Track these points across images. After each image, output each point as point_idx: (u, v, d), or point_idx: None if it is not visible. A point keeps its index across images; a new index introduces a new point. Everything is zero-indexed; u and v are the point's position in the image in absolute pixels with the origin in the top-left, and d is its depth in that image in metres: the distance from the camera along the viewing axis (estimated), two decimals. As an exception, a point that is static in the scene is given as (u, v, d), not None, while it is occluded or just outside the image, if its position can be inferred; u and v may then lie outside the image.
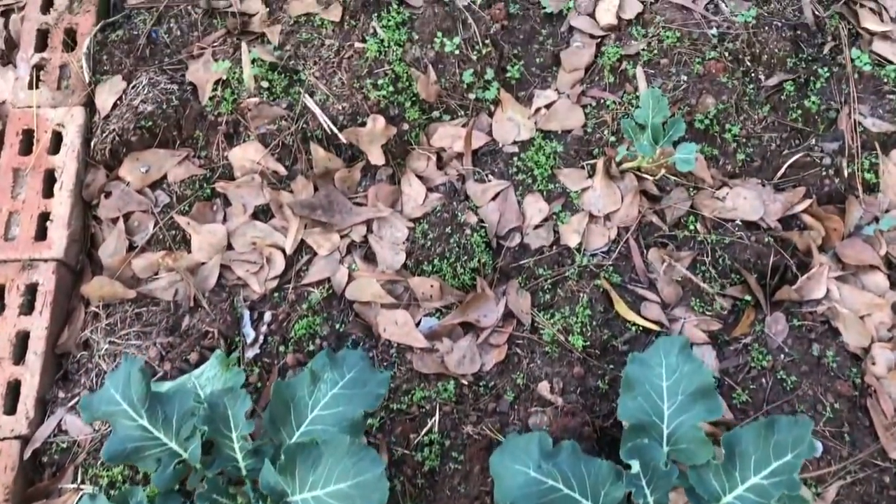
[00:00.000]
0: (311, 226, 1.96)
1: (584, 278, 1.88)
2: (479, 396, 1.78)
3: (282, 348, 1.82)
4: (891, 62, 2.08)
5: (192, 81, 2.05)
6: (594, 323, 1.79)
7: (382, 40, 2.06)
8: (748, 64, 2.05)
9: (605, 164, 1.99)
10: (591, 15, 2.17)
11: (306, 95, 2.02)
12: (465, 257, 1.87)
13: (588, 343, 1.78)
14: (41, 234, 1.88)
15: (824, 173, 2.00)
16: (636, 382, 1.49)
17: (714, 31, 2.07)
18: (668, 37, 2.07)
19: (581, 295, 1.82)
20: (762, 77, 2.05)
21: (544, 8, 2.16)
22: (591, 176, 2.00)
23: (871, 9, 2.17)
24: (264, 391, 1.78)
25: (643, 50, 2.08)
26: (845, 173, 2.00)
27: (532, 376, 1.78)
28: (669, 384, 1.48)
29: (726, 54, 2.04)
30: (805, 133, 2.04)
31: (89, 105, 2.01)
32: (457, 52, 2.05)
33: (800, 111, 2.03)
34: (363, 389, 1.47)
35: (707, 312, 1.86)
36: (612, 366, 1.78)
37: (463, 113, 2.08)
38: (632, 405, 1.48)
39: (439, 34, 2.06)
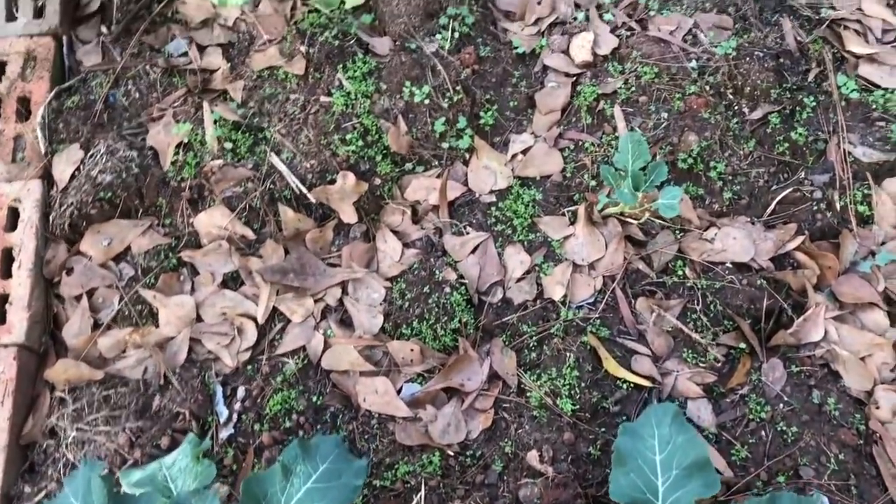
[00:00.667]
0: (284, 291, 1.87)
1: (570, 334, 1.80)
2: (465, 468, 1.69)
3: (257, 426, 1.74)
4: (878, 87, 2.00)
5: (153, 146, 1.97)
6: (582, 384, 1.71)
7: (349, 93, 1.98)
8: (730, 97, 1.97)
9: (587, 210, 1.90)
10: (566, 52, 2.09)
11: (272, 154, 1.94)
12: (446, 317, 1.79)
13: (577, 406, 1.69)
14: (1, 317, 1.80)
15: (816, 207, 1.92)
16: (628, 456, 1.41)
17: (693, 63, 1.99)
18: (645, 72, 1.99)
19: (568, 354, 1.74)
20: (746, 110, 1.97)
21: (516, 48, 2.08)
22: (572, 223, 1.91)
23: (855, 30, 2.09)
24: (241, 473, 1.69)
25: (621, 88, 2.00)
26: (837, 206, 1.92)
27: (521, 443, 1.69)
28: (663, 457, 1.40)
29: (707, 88, 1.96)
30: (793, 166, 1.96)
31: (46, 177, 1.93)
32: (427, 101, 1.97)
33: (787, 144, 1.95)
34: (339, 481, 1.39)
35: (700, 364, 1.77)
36: (603, 429, 1.70)
37: (437, 163, 2.00)
38: (624, 482, 1.40)
39: (408, 83, 1.98)
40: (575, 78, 2.06)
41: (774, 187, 1.94)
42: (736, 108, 1.97)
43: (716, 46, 2.01)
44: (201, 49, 2.10)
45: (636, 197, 1.76)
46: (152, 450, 1.68)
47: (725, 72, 1.96)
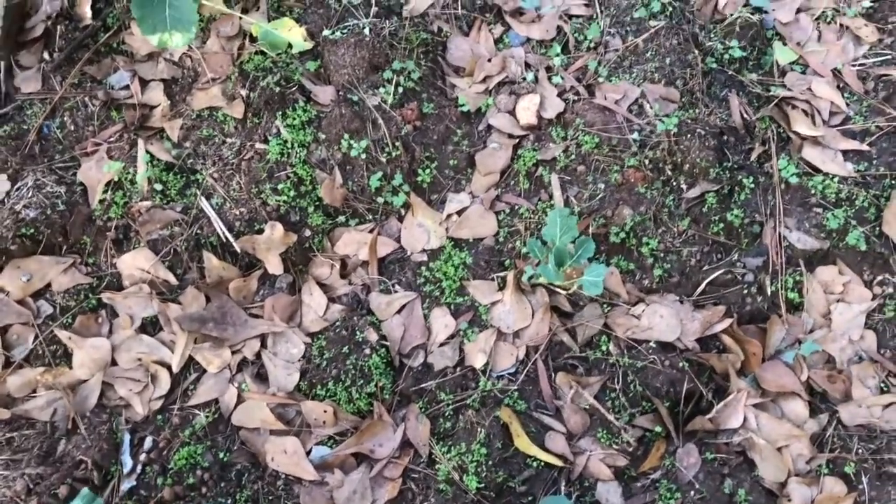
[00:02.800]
0: (202, 340, 1.85)
1: (486, 405, 1.77)
2: (366, 539, 1.67)
3: (160, 480, 1.71)
4: (819, 171, 1.99)
5: (83, 182, 1.94)
6: (490, 462, 1.68)
7: (286, 141, 1.95)
8: (669, 173, 1.95)
9: (516, 276, 1.89)
10: (511, 113, 2.07)
11: (202, 198, 1.92)
12: (363, 380, 1.77)
13: (482, 485, 1.67)
14: None
15: (746, 291, 1.91)
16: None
17: (636, 135, 1.97)
18: (587, 141, 1.97)
19: (479, 428, 1.71)
20: (684, 187, 1.96)
21: (461, 106, 2.06)
22: (501, 289, 1.89)
23: (803, 111, 2.08)
24: (138, 528, 1.66)
25: (560, 155, 1.98)
26: (768, 291, 1.91)
27: (424, 517, 1.67)
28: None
29: (646, 162, 1.95)
30: (727, 247, 1.94)
31: (-32, 208, 1.89)
32: (365, 155, 1.95)
33: (722, 224, 1.94)
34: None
35: (614, 445, 1.75)
36: (507, 509, 1.68)
37: (371, 217, 1.97)
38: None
39: (347, 136, 1.96)
40: (518, 140, 2.04)
41: (706, 267, 1.93)
42: (674, 184, 1.96)
43: (660, 120, 1.99)
44: (144, 83, 2.07)
45: (560, 275, 1.74)
46: (49, 499, 1.65)
47: (666, 147, 1.95)
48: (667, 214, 1.93)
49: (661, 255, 1.92)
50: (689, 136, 1.96)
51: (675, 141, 1.95)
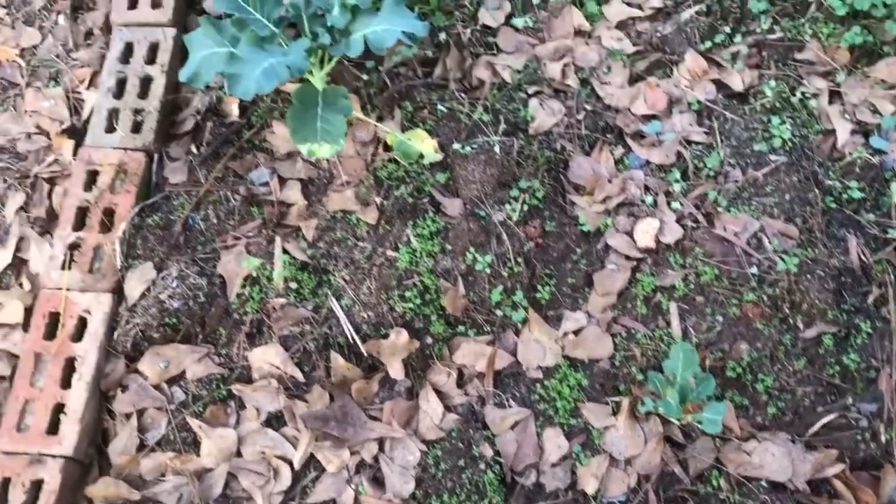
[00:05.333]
0: (323, 439, 1.92)
1: (597, 532, 1.80)
2: None
3: (278, 577, 1.77)
4: (938, 319, 2.00)
5: (222, 274, 2.05)
6: None
7: (415, 250, 2.04)
8: (787, 311, 1.99)
9: (631, 403, 1.92)
10: (630, 235, 2.13)
11: (333, 299, 2.01)
12: (477, 496, 1.82)
13: None
14: (53, 427, 1.87)
15: (860, 437, 1.91)
16: None
17: (754, 270, 2.02)
18: (706, 272, 2.02)
19: (592, 557, 1.74)
20: (801, 326, 1.99)
21: (581, 225, 2.13)
22: (615, 413, 1.93)
23: (920, 254, 2.10)
24: None
25: (679, 283, 2.03)
26: (882, 439, 1.91)
27: None
28: None
29: (765, 298, 1.99)
30: (842, 390, 1.96)
31: (117, 291, 2.02)
32: (488, 269, 2.02)
33: (838, 367, 1.95)
34: None
35: (724, 586, 1.76)
36: None
37: (489, 329, 2.04)
38: None
39: (472, 249, 2.04)
40: (635, 263, 2.10)
41: (820, 409, 1.94)
42: (791, 322, 1.99)
43: (779, 254, 2.03)
44: (282, 181, 2.19)
45: (681, 410, 1.77)
46: (174, 587, 1.72)
47: (785, 286, 1.98)
48: (783, 352, 1.96)
49: (776, 392, 1.94)
50: (808, 276, 1.99)
51: (795, 280, 1.99)
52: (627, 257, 2.11)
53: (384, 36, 1.89)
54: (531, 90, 2.33)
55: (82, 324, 1.98)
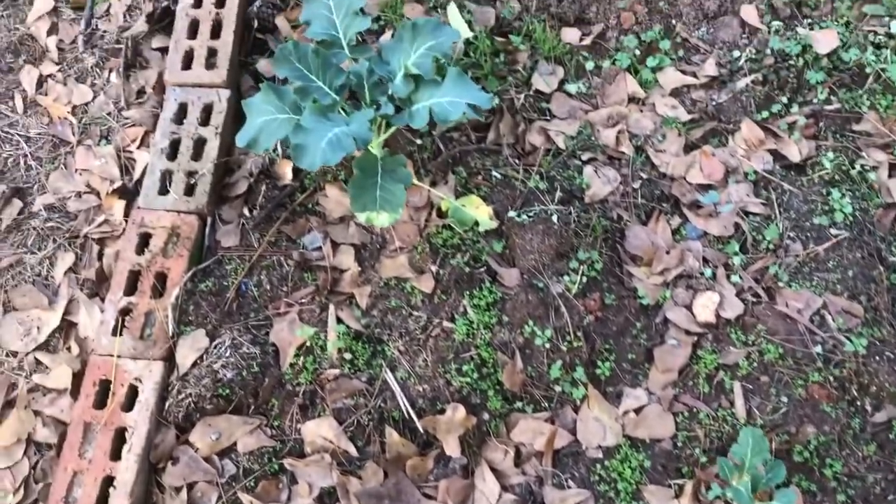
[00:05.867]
0: (377, 517, 1.86)
1: None
2: None
3: None
4: None
5: (275, 343, 2.01)
6: None
7: (472, 322, 2.01)
8: (855, 393, 1.94)
9: (695, 487, 1.87)
10: (689, 308, 2.09)
11: (388, 371, 1.97)
12: (537, 583, 1.75)
13: None
14: (103, 500, 1.82)
15: (933, 526, 1.85)
16: None
17: (819, 349, 1.97)
18: (769, 350, 1.98)
19: None
20: (869, 409, 1.93)
21: (640, 298, 2.09)
22: (677, 497, 1.88)
23: None
24: None
25: (742, 361, 1.99)
26: (956, 530, 1.84)
27: None
28: None
29: (831, 379, 1.94)
30: (914, 478, 1.90)
31: (168, 359, 1.98)
32: (547, 344, 1.98)
33: (908, 453, 1.90)
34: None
35: None
36: None
37: (547, 405, 1.99)
38: None
39: (530, 321, 2.00)
40: (696, 338, 2.06)
41: (892, 497, 1.88)
42: (859, 405, 1.94)
43: (844, 334, 1.99)
44: (335, 246, 2.15)
45: (752, 499, 1.72)
46: None
47: (852, 367, 1.94)
48: (851, 436, 1.91)
49: (845, 479, 1.88)
50: (876, 357, 1.94)
51: (863, 362, 1.94)
52: (688, 332, 2.07)
53: (449, 109, 1.87)
54: (585, 157, 2.31)
55: (133, 393, 1.94)
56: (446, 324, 2.01)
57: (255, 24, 2.40)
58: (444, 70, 1.97)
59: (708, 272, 2.13)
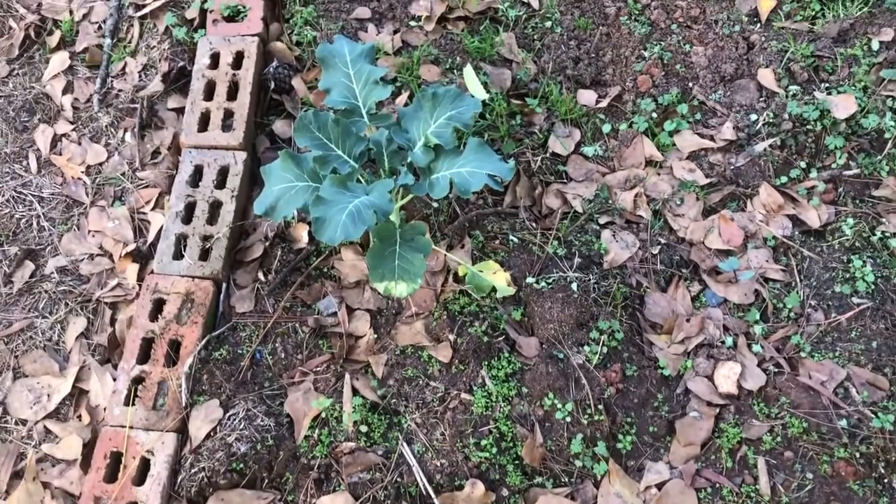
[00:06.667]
0: None
1: None
2: None
3: None
4: None
5: (290, 414, 1.97)
6: None
7: (490, 393, 1.97)
8: (882, 471, 1.89)
9: (719, 568, 1.82)
10: (710, 378, 2.06)
11: (404, 444, 1.93)
12: None
13: None
14: (112, 580, 1.77)
15: None
16: None
17: (844, 423, 1.93)
18: (793, 424, 1.94)
19: None
20: (895, 487, 1.89)
21: (661, 368, 2.06)
22: (702, 578, 1.82)
23: None
24: None
25: (766, 435, 1.95)
26: None
27: None
28: None
29: (858, 456, 1.90)
30: (944, 560, 1.85)
31: (181, 430, 1.94)
32: (568, 417, 1.94)
33: (938, 534, 1.85)
34: None
35: None
36: None
37: (567, 480, 1.95)
38: None
39: (550, 393, 1.97)
40: (718, 410, 2.02)
41: (922, 580, 1.83)
42: (887, 483, 1.89)
43: (869, 408, 1.95)
44: (350, 311, 2.13)
45: (782, 587, 1.67)
46: None
47: (879, 444, 1.90)
48: (880, 516, 1.86)
49: (874, 564, 1.83)
50: (903, 433, 1.91)
51: (890, 439, 1.90)
52: (709, 404, 2.03)
53: (470, 179, 1.86)
54: (603, 220, 2.29)
55: (145, 465, 1.90)
56: (464, 395, 1.98)
57: (272, 85, 2.40)
58: (465, 137, 1.96)
59: (729, 341, 2.10)
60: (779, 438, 1.95)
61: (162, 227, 2.20)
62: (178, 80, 2.47)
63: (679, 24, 2.56)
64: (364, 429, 1.95)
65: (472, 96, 1.99)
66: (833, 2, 2.53)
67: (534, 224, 2.27)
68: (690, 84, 2.47)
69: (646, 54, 2.50)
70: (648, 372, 2.06)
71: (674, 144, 2.39)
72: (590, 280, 2.12)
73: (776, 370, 2.06)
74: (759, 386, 2.03)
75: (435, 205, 2.28)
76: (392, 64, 2.48)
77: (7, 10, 2.63)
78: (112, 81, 2.52)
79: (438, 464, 1.91)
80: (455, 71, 2.49)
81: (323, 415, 1.96)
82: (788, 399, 1.99)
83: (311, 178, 1.93)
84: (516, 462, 1.94)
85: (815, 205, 2.28)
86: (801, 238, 2.25)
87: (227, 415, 1.95)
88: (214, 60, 2.42)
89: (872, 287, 2.13)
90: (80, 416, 2.02)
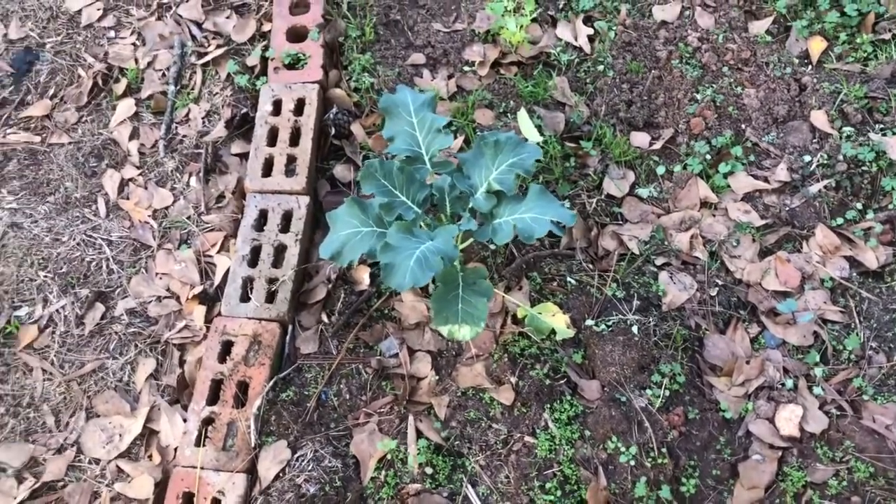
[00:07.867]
0: None
1: None
2: None
3: None
4: None
5: (356, 455, 2.00)
6: None
7: (553, 437, 1.99)
8: (953, 517, 1.88)
9: None
10: (771, 421, 2.06)
11: (469, 486, 1.95)
12: None
13: None
14: None
15: None
16: None
17: (912, 468, 1.92)
18: (858, 468, 1.93)
19: None
20: (968, 534, 1.87)
21: (723, 412, 2.06)
22: None
23: None
24: None
25: (831, 479, 1.94)
26: None
27: None
28: None
29: (927, 501, 1.88)
30: None
31: (251, 471, 1.98)
32: (632, 461, 1.95)
33: None
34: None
35: None
36: None
37: (631, 524, 1.95)
38: None
39: (613, 437, 1.98)
40: (780, 453, 2.02)
41: None
42: (958, 529, 1.87)
43: (937, 453, 1.94)
44: (411, 352, 2.16)
45: None
46: None
47: (950, 490, 1.88)
48: (952, 563, 1.84)
49: None
50: (973, 479, 1.89)
51: (960, 484, 1.89)
52: (772, 446, 2.03)
53: (533, 226, 1.89)
54: (659, 262, 2.31)
55: (216, 506, 1.94)
56: (528, 438, 2.00)
57: (332, 130, 2.46)
58: (525, 182, 2.00)
59: (789, 383, 2.11)
60: (844, 483, 1.94)
61: (228, 269, 2.26)
62: (240, 126, 2.54)
63: (730, 67, 2.59)
64: (429, 470, 1.98)
65: (531, 142, 2.04)
66: (886, 43, 2.54)
67: (591, 266, 2.30)
68: (743, 126, 2.50)
69: (698, 97, 2.53)
70: (710, 415, 2.07)
71: (728, 186, 2.41)
72: (649, 322, 2.14)
73: (838, 413, 2.05)
74: (822, 429, 2.02)
75: (492, 247, 2.31)
76: (447, 109, 2.54)
77: (76, 60, 2.73)
78: (176, 127, 2.60)
79: (503, 507, 1.93)
80: (509, 115, 2.54)
81: (388, 456, 2.00)
82: (853, 443, 1.98)
83: (376, 224, 1.98)
84: (580, 505, 1.95)
85: (873, 246, 2.28)
86: (858, 279, 2.26)
87: (296, 456, 1.99)
88: (277, 107, 2.49)
89: (934, 329, 2.13)
90: (150, 456, 2.07)
